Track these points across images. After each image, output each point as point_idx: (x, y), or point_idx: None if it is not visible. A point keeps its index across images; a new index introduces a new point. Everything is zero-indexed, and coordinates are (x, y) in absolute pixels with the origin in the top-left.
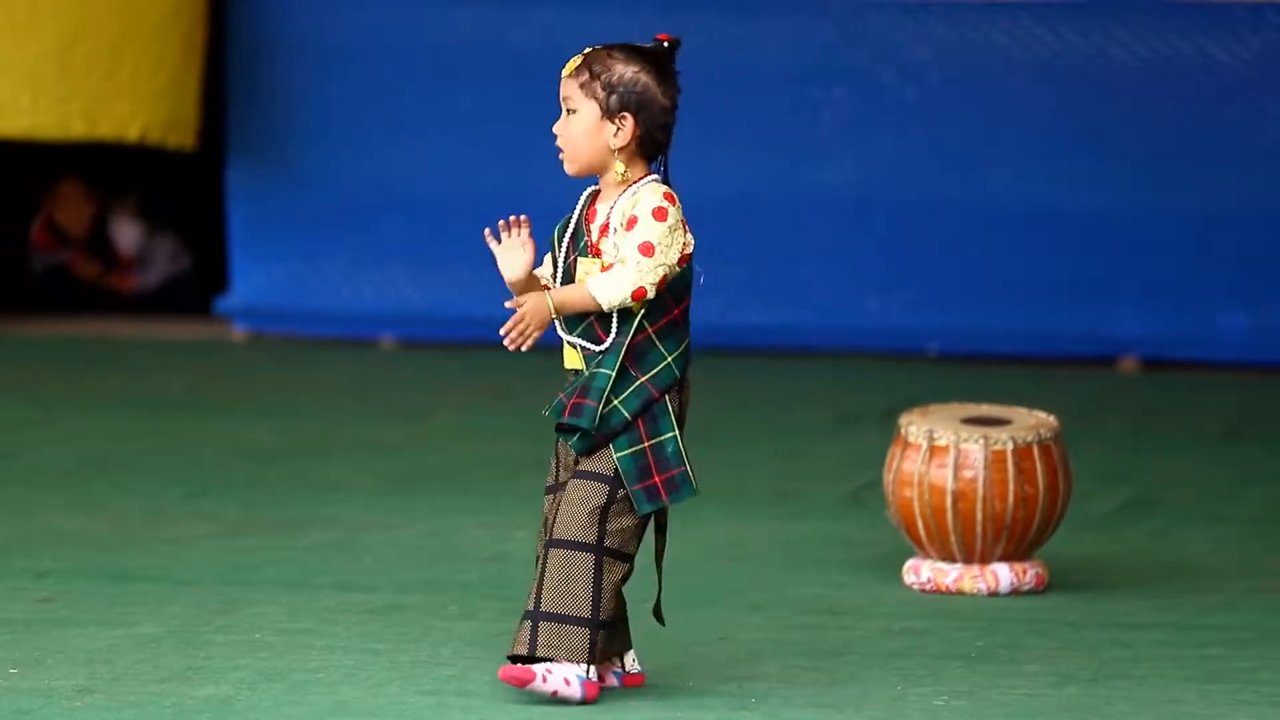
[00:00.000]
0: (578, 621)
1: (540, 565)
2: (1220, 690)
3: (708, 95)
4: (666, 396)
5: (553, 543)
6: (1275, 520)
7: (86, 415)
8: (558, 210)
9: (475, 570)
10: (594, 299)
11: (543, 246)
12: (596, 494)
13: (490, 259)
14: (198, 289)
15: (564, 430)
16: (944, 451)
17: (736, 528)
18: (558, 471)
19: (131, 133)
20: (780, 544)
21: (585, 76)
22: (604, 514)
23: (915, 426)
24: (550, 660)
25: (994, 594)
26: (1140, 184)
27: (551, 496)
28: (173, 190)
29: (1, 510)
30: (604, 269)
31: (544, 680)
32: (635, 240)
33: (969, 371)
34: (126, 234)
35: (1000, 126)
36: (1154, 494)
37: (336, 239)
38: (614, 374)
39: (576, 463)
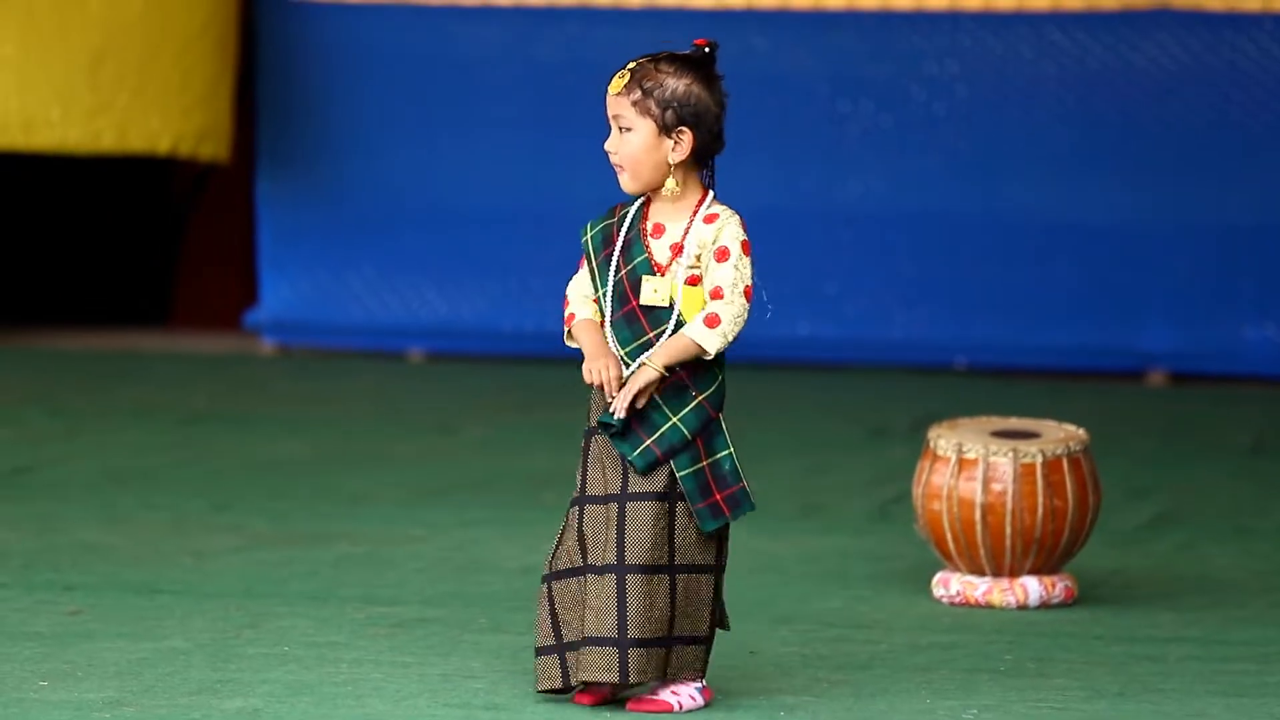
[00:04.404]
0: (691, 640)
1: (618, 591)
2: (1247, 704)
3: (734, 108)
4: (720, 415)
5: (629, 569)
6: None
7: (111, 429)
8: (584, 222)
9: (503, 583)
10: (700, 347)
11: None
12: (658, 514)
13: (518, 271)
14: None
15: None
16: (973, 464)
17: (764, 541)
18: (585, 484)
19: (163, 146)
20: (808, 557)
21: (637, 94)
22: (671, 531)
23: (944, 439)
24: (676, 682)
25: (1023, 607)
26: (1167, 197)
27: (578, 509)
28: None
29: (27, 524)
30: (688, 292)
31: (680, 708)
32: (740, 282)
33: (995, 385)
34: None
35: (1027, 140)
36: (1181, 508)
37: (364, 252)
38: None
39: (624, 479)
